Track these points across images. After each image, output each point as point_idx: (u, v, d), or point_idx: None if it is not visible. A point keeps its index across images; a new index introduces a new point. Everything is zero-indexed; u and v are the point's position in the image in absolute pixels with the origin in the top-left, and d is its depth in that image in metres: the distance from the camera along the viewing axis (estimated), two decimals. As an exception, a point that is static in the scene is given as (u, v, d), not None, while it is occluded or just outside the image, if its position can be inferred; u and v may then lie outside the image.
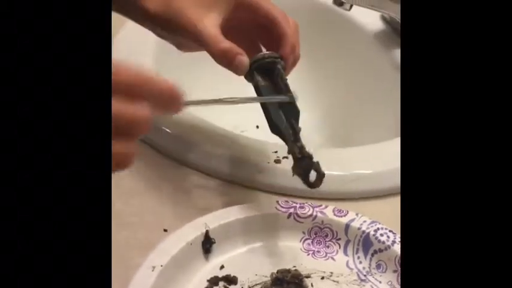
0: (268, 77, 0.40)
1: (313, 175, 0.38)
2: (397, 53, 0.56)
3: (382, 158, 0.46)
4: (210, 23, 0.39)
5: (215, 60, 0.39)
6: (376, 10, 0.54)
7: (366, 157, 0.46)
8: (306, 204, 0.42)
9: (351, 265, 0.40)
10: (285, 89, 0.39)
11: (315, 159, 0.38)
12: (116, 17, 0.38)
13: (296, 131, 0.39)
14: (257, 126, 0.57)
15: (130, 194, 0.44)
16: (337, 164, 0.45)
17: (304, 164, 0.38)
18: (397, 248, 0.39)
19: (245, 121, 0.57)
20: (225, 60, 0.39)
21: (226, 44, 0.38)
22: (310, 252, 0.41)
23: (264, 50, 0.43)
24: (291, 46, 0.39)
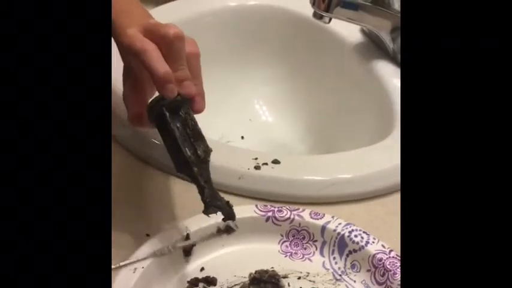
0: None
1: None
2: (376, 63, 0.58)
3: (359, 164, 0.48)
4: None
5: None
6: (354, 23, 0.56)
7: (344, 163, 0.48)
8: (283, 208, 0.43)
9: (327, 265, 0.42)
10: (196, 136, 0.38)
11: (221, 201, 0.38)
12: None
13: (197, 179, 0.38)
14: (242, 137, 0.58)
15: (114, 200, 0.44)
16: (316, 169, 0.47)
17: (211, 206, 0.38)
18: (370, 248, 0.41)
19: (231, 132, 0.58)
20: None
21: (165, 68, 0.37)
22: (287, 254, 0.43)
23: None
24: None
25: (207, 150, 0.39)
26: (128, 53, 0.38)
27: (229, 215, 0.39)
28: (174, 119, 0.38)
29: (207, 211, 0.38)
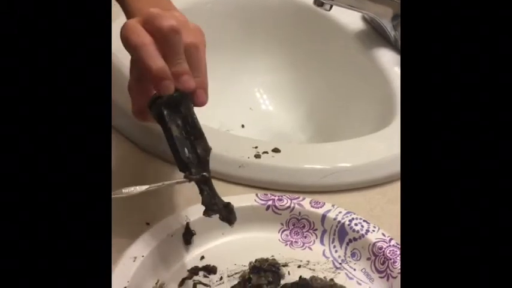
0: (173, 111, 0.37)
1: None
2: (377, 51, 0.58)
3: (360, 152, 0.48)
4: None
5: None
6: (355, 10, 0.56)
7: (344, 151, 0.48)
8: (284, 197, 0.43)
9: (327, 254, 0.42)
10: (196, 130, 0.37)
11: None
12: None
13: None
14: (242, 126, 0.58)
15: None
16: (316, 158, 0.47)
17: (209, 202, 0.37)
18: (370, 236, 0.41)
19: (231, 121, 0.58)
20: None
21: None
22: (288, 242, 0.43)
23: None
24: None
25: (207, 149, 0.38)
26: (124, 46, 0.37)
27: (226, 218, 0.38)
28: (173, 117, 0.37)
29: (206, 213, 0.38)
